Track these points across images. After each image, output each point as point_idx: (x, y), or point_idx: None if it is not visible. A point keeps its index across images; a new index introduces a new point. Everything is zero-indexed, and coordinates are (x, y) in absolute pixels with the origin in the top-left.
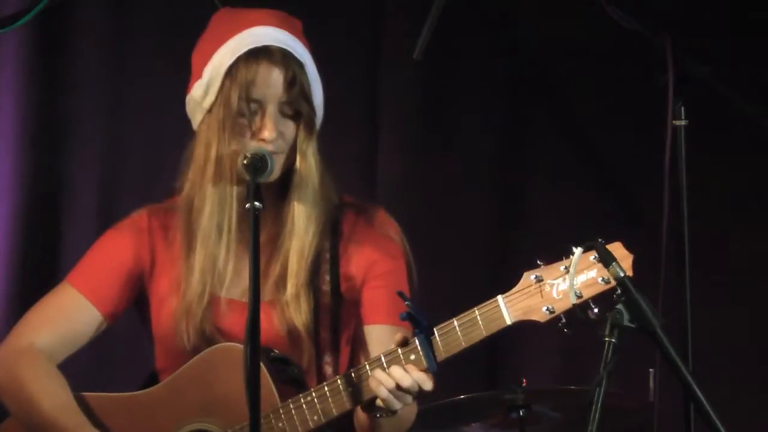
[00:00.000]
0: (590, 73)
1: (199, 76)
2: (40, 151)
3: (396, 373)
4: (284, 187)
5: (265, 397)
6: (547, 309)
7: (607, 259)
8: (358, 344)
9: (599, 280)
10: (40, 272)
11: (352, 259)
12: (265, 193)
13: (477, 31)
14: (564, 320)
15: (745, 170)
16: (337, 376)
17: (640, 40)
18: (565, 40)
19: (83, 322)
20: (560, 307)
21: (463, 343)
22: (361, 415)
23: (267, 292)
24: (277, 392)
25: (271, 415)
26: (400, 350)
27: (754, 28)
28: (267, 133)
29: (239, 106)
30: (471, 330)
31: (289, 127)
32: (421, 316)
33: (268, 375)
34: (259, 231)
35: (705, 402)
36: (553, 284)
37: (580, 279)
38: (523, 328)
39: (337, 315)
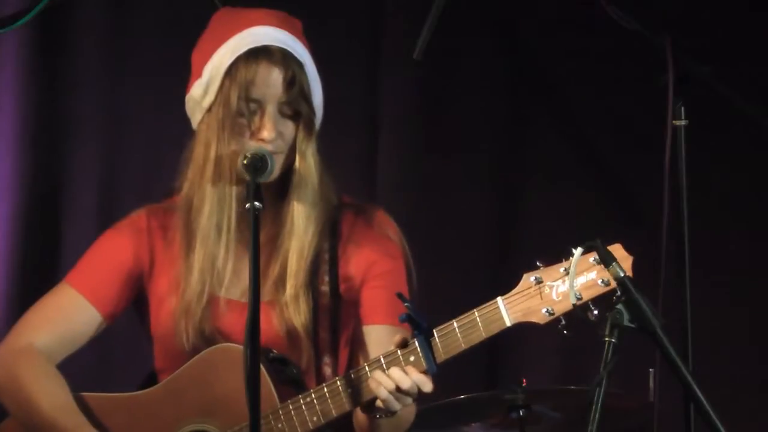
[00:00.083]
0: (590, 73)
1: (199, 76)
2: (40, 151)
3: (395, 375)
4: (283, 187)
5: (264, 398)
6: (547, 311)
7: (607, 259)
8: (357, 345)
9: (599, 282)
10: (40, 272)
11: (351, 260)
12: (264, 193)
13: (477, 31)
14: (563, 322)
15: (745, 170)
16: (337, 378)
17: (640, 40)
18: (565, 40)
19: (82, 322)
20: (560, 308)
21: (462, 345)
22: (360, 416)
23: (266, 292)
24: (276, 393)
25: (271, 416)
26: (399, 351)
27: (754, 28)
28: (266, 133)
29: (239, 105)
30: (470, 332)
31: (289, 127)
32: (421, 318)
33: (267, 376)
34: (259, 231)
35: (705, 402)
36: (553, 286)
37: (580, 281)
38: (523, 328)
39: (336, 316)
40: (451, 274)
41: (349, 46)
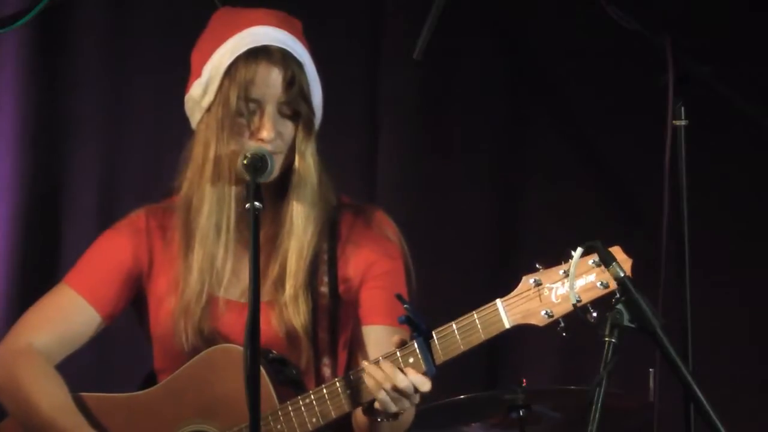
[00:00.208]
0: (590, 73)
1: (198, 75)
2: (40, 151)
3: (390, 371)
4: (282, 187)
5: (263, 399)
6: (546, 313)
7: (607, 260)
8: (357, 346)
9: (598, 284)
10: (40, 272)
11: (350, 261)
12: (263, 192)
13: (477, 31)
14: (562, 324)
15: (745, 170)
16: (336, 379)
17: (640, 40)
18: (565, 40)
19: (81, 322)
20: (559, 311)
21: (461, 347)
22: (360, 419)
23: (265, 292)
24: (275, 394)
25: (270, 417)
26: (398, 352)
27: (754, 28)
28: (265, 133)
29: (238, 105)
30: (470, 334)
31: (288, 127)
32: (420, 320)
33: (266, 376)
34: (259, 231)
35: (705, 402)
36: (552, 288)
37: (579, 283)
38: (523, 328)
39: (335, 316)
40: (450, 275)
41: (349, 46)
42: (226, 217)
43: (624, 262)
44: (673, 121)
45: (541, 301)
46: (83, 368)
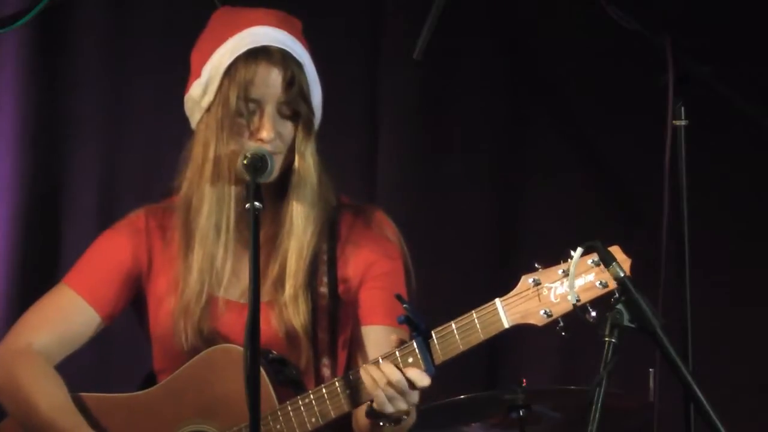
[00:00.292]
0: (590, 73)
1: (198, 76)
2: (40, 151)
3: (386, 368)
4: (282, 187)
5: (263, 399)
6: (545, 312)
7: (607, 260)
8: (356, 346)
9: (597, 284)
10: (40, 272)
11: (350, 261)
12: (263, 193)
13: (477, 31)
14: (561, 324)
15: (745, 170)
16: (335, 379)
17: (640, 40)
18: (565, 40)
19: (81, 322)
20: (558, 310)
21: (461, 347)
22: (361, 421)
23: (265, 292)
24: (275, 394)
25: (269, 417)
26: (398, 352)
27: (754, 28)
28: (265, 134)
29: (238, 105)
30: (469, 333)
31: (288, 127)
32: (419, 319)
33: (266, 377)
34: (259, 231)
35: (705, 402)
36: (551, 288)
37: (578, 283)
38: (522, 328)
39: (334, 317)
40: (450, 275)
41: (349, 46)
42: (225, 217)
43: (623, 261)
44: (673, 121)
45: (540, 300)
46: (83, 368)
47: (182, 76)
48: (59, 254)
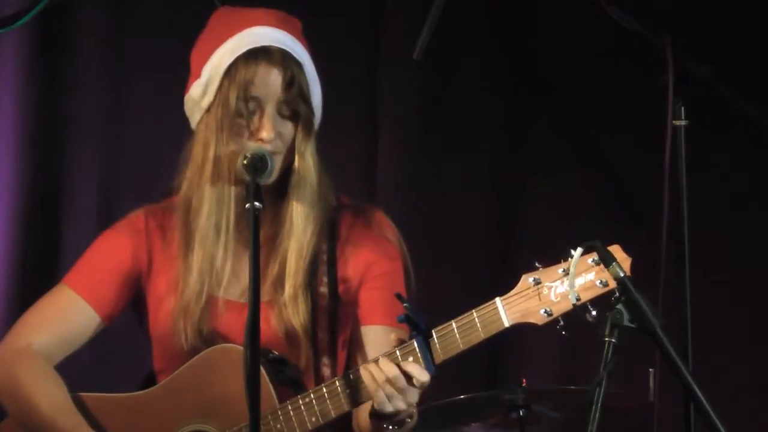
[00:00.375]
0: (590, 73)
1: (198, 76)
2: (40, 151)
3: (384, 365)
4: (282, 187)
5: (263, 399)
6: (545, 311)
7: (607, 259)
8: (356, 346)
9: (597, 283)
10: (40, 272)
11: (350, 261)
12: (263, 193)
13: (477, 31)
14: (562, 323)
15: (745, 170)
16: (335, 378)
17: (640, 40)
18: (565, 40)
19: (81, 323)
20: (558, 309)
21: (461, 346)
22: (362, 422)
23: (264, 292)
24: (275, 394)
25: (269, 417)
26: (398, 351)
27: (754, 28)
28: (265, 133)
29: (237, 106)
30: (469, 332)
31: (288, 127)
32: (419, 318)
33: (266, 376)
34: (259, 231)
35: (705, 402)
36: (551, 287)
37: (578, 282)
38: (522, 328)
39: (334, 317)
40: (450, 274)
41: (349, 46)
42: (225, 218)
43: (623, 261)
44: (673, 121)
45: (540, 299)
46: (83, 368)
47: (182, 76)
48: (59, 254)
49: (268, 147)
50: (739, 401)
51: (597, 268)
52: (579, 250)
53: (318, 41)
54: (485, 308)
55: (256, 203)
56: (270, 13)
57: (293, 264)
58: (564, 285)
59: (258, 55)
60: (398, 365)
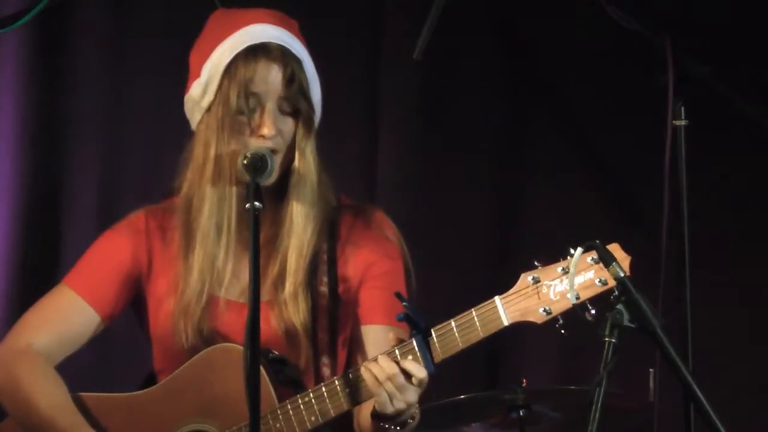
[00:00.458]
0: (590, 73)
1: (198, 75)
2: (40, 151)
3: (383, 363)
4: (282, 188)
5: (263, 398)
6: (544, 310)
7: (607, 259)
8: (356, 346)
9: (596, 281)
10: (40, 272)
11: (350, 261)
12: (263, 194)
13: (477, 31)
14: (561, 321)
15: (745, 170)
16: (335, 378)
17: (640, 40)
18: (565, 41)
19: (81, 323)
20: (557, 308)
21: (460, 344)
22: (363, 422)
23: (265, 292)
24: (275, 393)
25: (269, 416)
26: (397, 350)
27: (754, 28)
28: (266, 130)
29: (238, 103)
30: (468, 331)
31: (288, 124)
32: (419, 317)
33: (266, 376)
34: (259, 231)
35: (705, 402)
36: (551, 285)
37: (578, 280)
38: (523, 328)
39: (334, 316)
40: (451, 274)
41: (349, 46)
42: (227, 217)
43: (623, 260)
44: (673, 121)
45: (539, 298)
46: (83, 368)
47: (182, 76)
48: (59, 254)
49: (269, 144)
50: (739, 401)
51: (596, 266)
52: (579, 249)
53: (318, 41)
54: (484, 307)
55: (256, 203)
56: (268, 12)
57: (294, 262)
58: (563, 283)
59: (257, 52)
60: (397, 363)
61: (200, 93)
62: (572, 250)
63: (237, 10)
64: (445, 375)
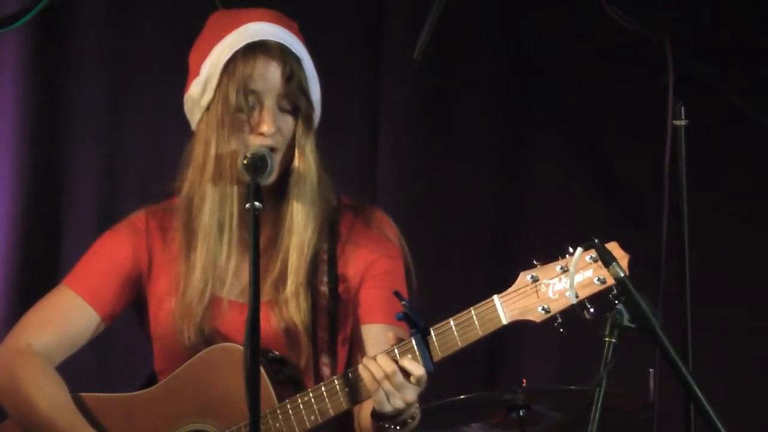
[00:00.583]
0: (591, 73)
1: (197, 74)
2: (40, 151)
3: (382, 361)
4: (282, 188)
5: (263, 398)
6: (543, 309)
7: (607, 259)
8: (356, 345)
9: (595, 280)
10: (40, 272)
11: (350, 261)
12: (264, 195)
13: (477, 31)
14: (560, 320)
15: (745, 170)
16: (334, 377)
17: (640, 40)
18: (565, 40)
19: (81, 323)
20: (556, 306)
21: (459, 343)
22: (363, 422)
23: (265, 292)
24: (274, 393)
25: (269, 416)
26: (396, 349)
27: (754, 28)
28: (266, 127)
29: (237, 101)
30: (467, 330)
31: (288, 122)
32: (418, 317)
33: (266, 376)
34: (259, 231)
35: (705, 402)
36: (549, 284)
37: (576, 279)
38: (523, 328)
39: (334, 316)
40: (451, 274)
41: (349, 45)
42: (228, 215)
43: (622, 258)
44: (673, 121)
45: (538, 297)
46: (83, 368)
47: (182, 76)
48: (59, 254)
49: (269, 141)
50: (739, 401)
51: (594, 265)
52: (579, 249)
53: (318, 41)
54: (483, 306)
55: (256, 203)
56: (267, 11)
57: (295, 261)
58: (562, 282)
59: (256, 49)
60: (396, 362)
61: (199, 92)
62: (571, 249)
63: (236, 10)
64: (446, 375)
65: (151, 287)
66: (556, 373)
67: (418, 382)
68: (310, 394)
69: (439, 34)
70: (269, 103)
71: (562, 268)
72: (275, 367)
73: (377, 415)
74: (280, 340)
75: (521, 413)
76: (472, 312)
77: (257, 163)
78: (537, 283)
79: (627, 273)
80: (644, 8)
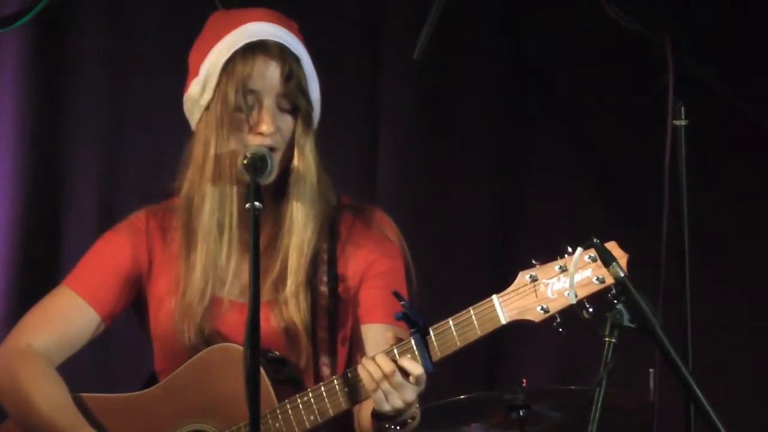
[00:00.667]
0: (591, 73)
1: (196, 74)
2: (40, 151)
3: (380, 361)
4: (282, 188)
5: (262, 398)
6: (542, 308)
7: (607, 259)
8: (355, 345)
9: (594, 279)
10: (40, 272)
11: (350, 260)
12: (264, 195)
13: (477, 31)
14: (558, 320)
15: (745, 170)
16: (334, 377)
17: (640, 40)
18: (565, 40)
19: (81, 324)
20: (555, 306)
21: (458, 343)
22: (363, 423)
23: (265, 292)
24: (274, 393)
25: (268, 415)
26: (395, 349)
27: (754, 29)
28: (265, 127)
29: (237, 100)
30: (465, 330)
31: (287, 121)
32: (417, 316)
33: (266, 376)
34: (259, 231)
35: (705, 402)
36: (548, 284)
37: (575, 279)
38: (522, 328)
39: (334, 316)
40: (450, 274)
41: (349, 45)
42: (228, 215)
43: (621, 258)
44: (673, 121)
45: (537, 296)
46: (83, 368)
47: (182, 76)
48: (59, 254)
49: (268, 141)
50: (739, 401)
51: (593, 264)
52: (579, 249)
53: (318, 41)
54: (482, 305)
55: (256, 203)
56: (266, 11)
57: (294, 261)
58: (561, 282)
59: (255, 49)
60: (395, 361)
61: (199, 91)
62: (570, 249)
63: (236, 10)
64: (446, 375)
65: (151, 287)
66: (556, 373)
67: (417, 381)
68: (310, 394)
69: (439, 34)
70: (268, 102)
71: (560, 267)
72: (275, 367)
73: (377, 415)
74: (280, 340)
75: (521, 413)
76: (471, 312)
77: (257, 163)
78: (536, 282)
79: (626, 272)
80: (644, 8)
